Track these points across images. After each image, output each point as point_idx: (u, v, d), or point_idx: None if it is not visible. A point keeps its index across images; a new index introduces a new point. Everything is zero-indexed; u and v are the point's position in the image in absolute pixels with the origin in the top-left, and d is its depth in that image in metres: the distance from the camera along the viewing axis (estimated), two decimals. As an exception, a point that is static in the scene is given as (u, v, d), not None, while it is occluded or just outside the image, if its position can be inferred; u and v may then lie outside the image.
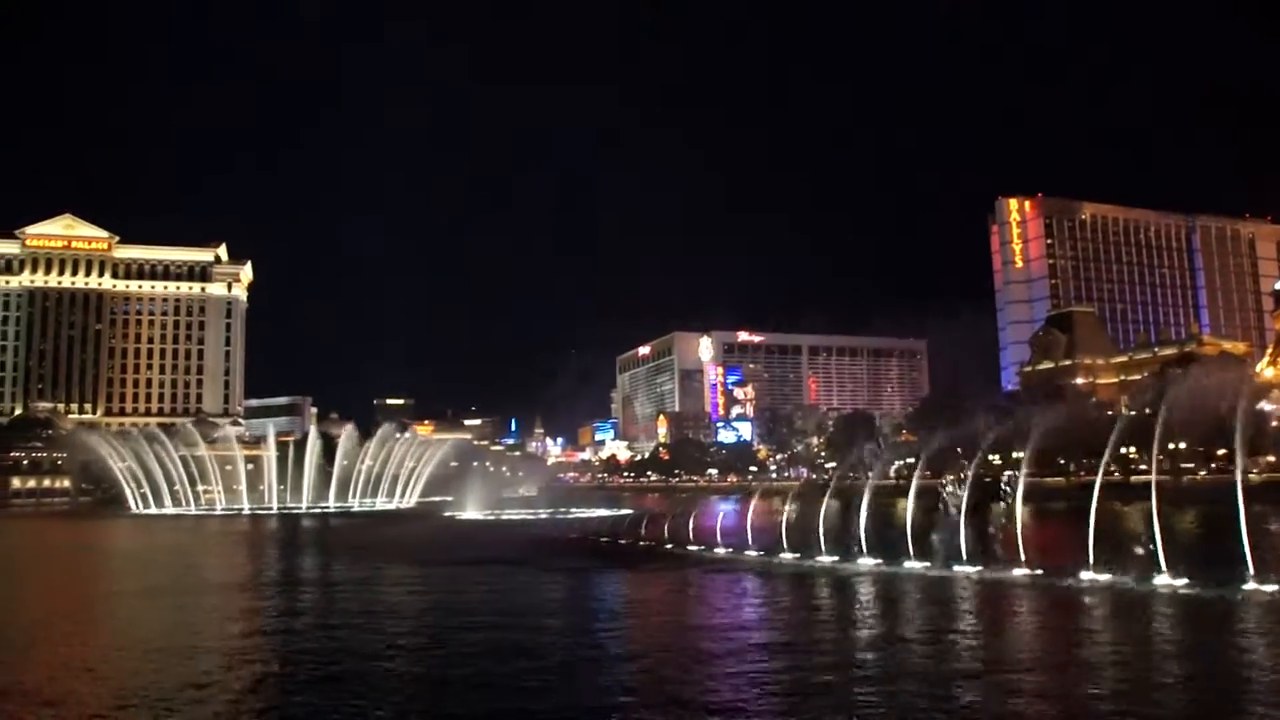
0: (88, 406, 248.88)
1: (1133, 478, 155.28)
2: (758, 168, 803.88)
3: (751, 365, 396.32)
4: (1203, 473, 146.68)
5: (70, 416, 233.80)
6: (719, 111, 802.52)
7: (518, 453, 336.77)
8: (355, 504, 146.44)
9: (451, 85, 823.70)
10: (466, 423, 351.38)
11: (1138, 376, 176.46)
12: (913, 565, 42.51)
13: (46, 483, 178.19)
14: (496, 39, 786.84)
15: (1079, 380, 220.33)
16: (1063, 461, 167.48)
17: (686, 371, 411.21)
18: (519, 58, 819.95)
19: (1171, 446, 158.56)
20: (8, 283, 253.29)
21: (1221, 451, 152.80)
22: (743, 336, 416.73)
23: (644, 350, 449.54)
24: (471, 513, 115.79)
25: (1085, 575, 36.49)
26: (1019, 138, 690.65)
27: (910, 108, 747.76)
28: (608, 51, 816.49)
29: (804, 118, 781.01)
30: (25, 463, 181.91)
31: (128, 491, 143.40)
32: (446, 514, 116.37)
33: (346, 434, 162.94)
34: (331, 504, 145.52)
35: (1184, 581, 34.14)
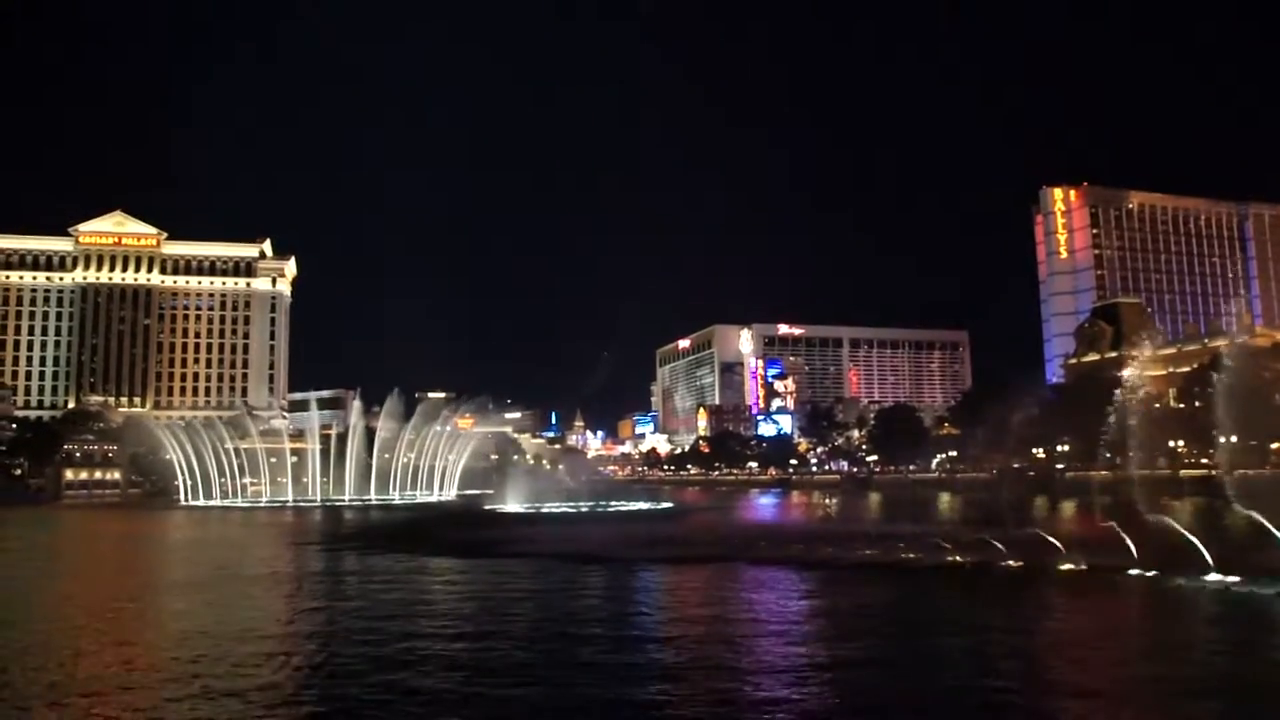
0: (137, 400, 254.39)
1: (1183, 472, 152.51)
2: (799, 160, 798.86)
3: (792, 358, 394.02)
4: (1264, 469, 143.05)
5: (120, 409, 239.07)
6: (759, 102, 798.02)
7: (558, 445, 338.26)
8: (396, 497, 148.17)
9: (491, 83, 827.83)
10: (507, 415, 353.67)
11: (1187, 369, 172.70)
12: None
13: (98, 474, 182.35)
14: (531, 34, 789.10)
15: (1126, 373, 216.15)
16: (1109, 455, 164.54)
17: (726, 364, 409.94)
18: (556, 54, 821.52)
19: (1223, 440, 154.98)
20: (61, 279, 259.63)
21: (1276, 445, 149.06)
22: (783, 329, 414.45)
23: (684, 343, 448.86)
24: (512, 506, 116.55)
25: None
26: (1064, 126, 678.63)
27: (954, 96, 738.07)
28: (639, 46, 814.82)
29: (846, 108, 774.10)
30: (78, 455, 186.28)
31: (179, 483, 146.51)
32: (487, 507, 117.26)
33: (387, 411, 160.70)
34: (373, 497, 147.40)
35: None
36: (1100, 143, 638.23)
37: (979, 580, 37.73)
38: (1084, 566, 37.68)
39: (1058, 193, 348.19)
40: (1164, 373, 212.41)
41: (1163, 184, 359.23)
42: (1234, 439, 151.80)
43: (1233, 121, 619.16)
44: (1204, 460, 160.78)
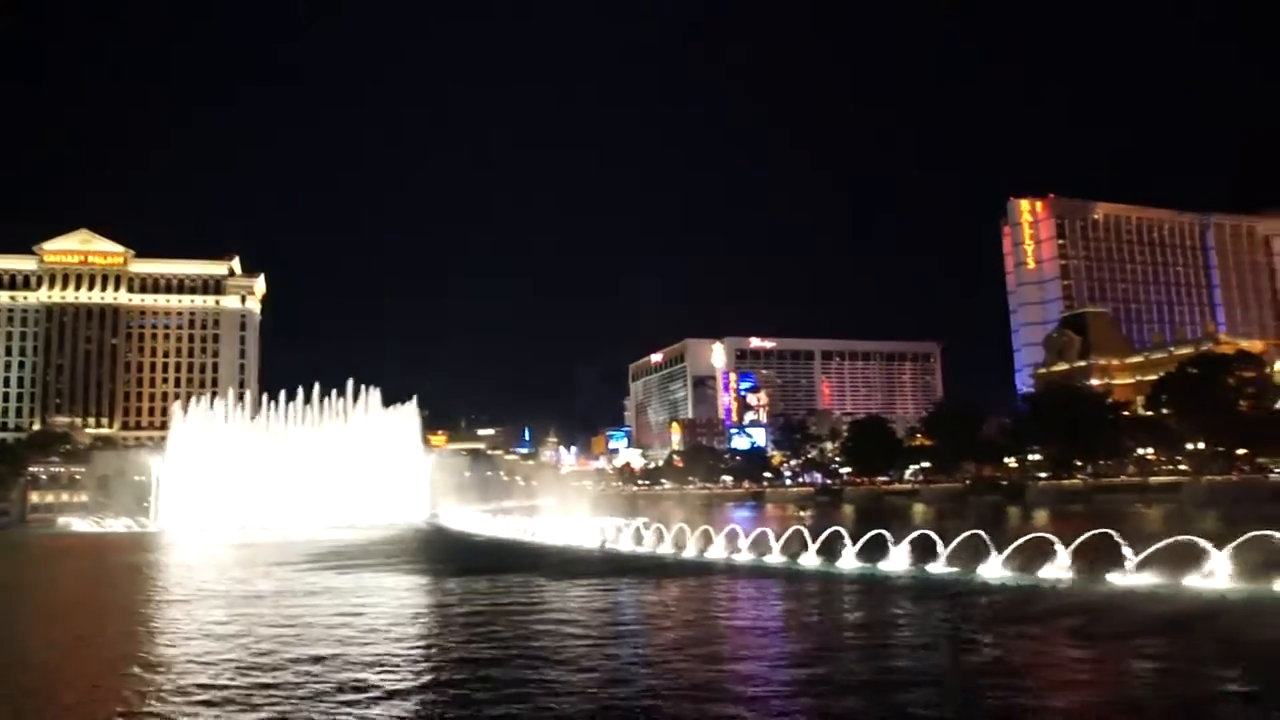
0: (104, 420, 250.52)
1: (1152, 478, 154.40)
2: (769, 171, 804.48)
3: (764, 371, 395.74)
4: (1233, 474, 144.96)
5: (87, 430, 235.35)
6: (724, 112, 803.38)
7: (531, 462, 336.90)
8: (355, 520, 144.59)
9: (458, 91, 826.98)
10: (480, 432, 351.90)
11: (1154, 377, 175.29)
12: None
13: (65, 497, 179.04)
14: (480, 35, 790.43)
15: (1094, 381, 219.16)
16: (1079, 463, 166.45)
17: (699, 378, 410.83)
18: (508, 56, 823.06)
19: (1190, 447, 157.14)
20: (25, 299, 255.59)
21: (1242, 451, 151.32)
22: (755, 342, 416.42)
23: (656, 357, 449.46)
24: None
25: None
26: (1030, 138, 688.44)
27: (924, 108, 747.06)
28: (598, 55, 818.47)
29: (815, 118, 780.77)
30: (44, 477, 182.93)
31: (147, 504, 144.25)
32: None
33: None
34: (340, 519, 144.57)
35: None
36: (1066, 155, 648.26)
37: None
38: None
39: (1024, 204, 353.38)
40: (1131, 381, 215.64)
41: (1127, 195, 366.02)
42: (1201, 445, 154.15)
43: (1195, 133, 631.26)
44: (1170, 467, 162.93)
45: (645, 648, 27.89)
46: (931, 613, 33.32)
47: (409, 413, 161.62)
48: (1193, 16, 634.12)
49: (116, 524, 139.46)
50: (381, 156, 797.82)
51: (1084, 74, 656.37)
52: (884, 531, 46.88)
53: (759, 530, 55.86)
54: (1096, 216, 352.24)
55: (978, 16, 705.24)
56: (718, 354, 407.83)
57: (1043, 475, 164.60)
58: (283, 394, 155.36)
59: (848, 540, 47.81)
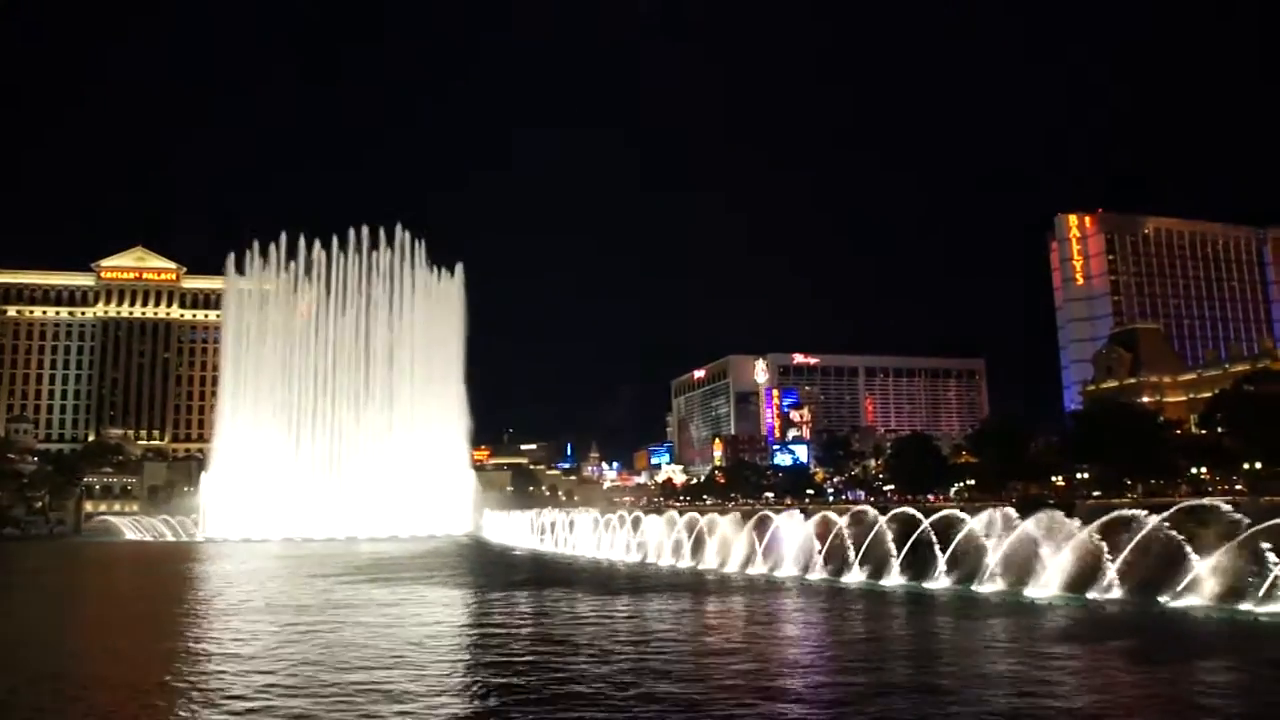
0: (156, 433, 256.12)
1: (1207, 499, 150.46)
2: (813, 188, 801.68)
3: (808, 387, 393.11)
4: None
5: (139, 442, 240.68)
6: (773, 134, 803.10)
7: (573, 477, 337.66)
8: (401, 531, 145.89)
9: (492, 101, 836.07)
10: (523, 447, 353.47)
11: (1208, 394, 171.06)
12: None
13: (117, 507, 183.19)
14: (501, 66, 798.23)
15: (1145, 399, 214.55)
16: (1129, 481, 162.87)
17: (742, 394, 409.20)
18: (545, 91, 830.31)
19: (1247, 467, 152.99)
20: (83, 314, 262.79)
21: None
22: (798, 359, 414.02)
23: (699, 374, 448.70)
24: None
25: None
26: (1078, 152, 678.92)
27: (967, 123, 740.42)
28: (639, 72, 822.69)
29: (858, 135, 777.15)
30: (97, 488, 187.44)
31: (196, 517, 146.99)
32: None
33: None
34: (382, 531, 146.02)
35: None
36: (1115, 169, 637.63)
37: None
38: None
39: (1073, 219, 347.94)
40: (1184, 399, 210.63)
41: (1178, 209, 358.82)
42: (1258, 465, 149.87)
43: (1249, 147, 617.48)
44: (1225, 487, 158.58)
45: (693, 680, 27.50)
46: (981, 629, 32.51)
47: (456, 428, 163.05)
48: (1234, 30, 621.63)
49: (165, 533, 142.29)
50: (424, 169, 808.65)
51: (1131, 84, 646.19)
52: (931, 547, 46.12)
53: (802, 546, 55.25)
54: (1147, 231, 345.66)
55: (1019, 32, 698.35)
56: (760, 370, 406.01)
57: (1093, 494, 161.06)
58: (330, 404, 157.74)
59: (893, 556, 47.21)
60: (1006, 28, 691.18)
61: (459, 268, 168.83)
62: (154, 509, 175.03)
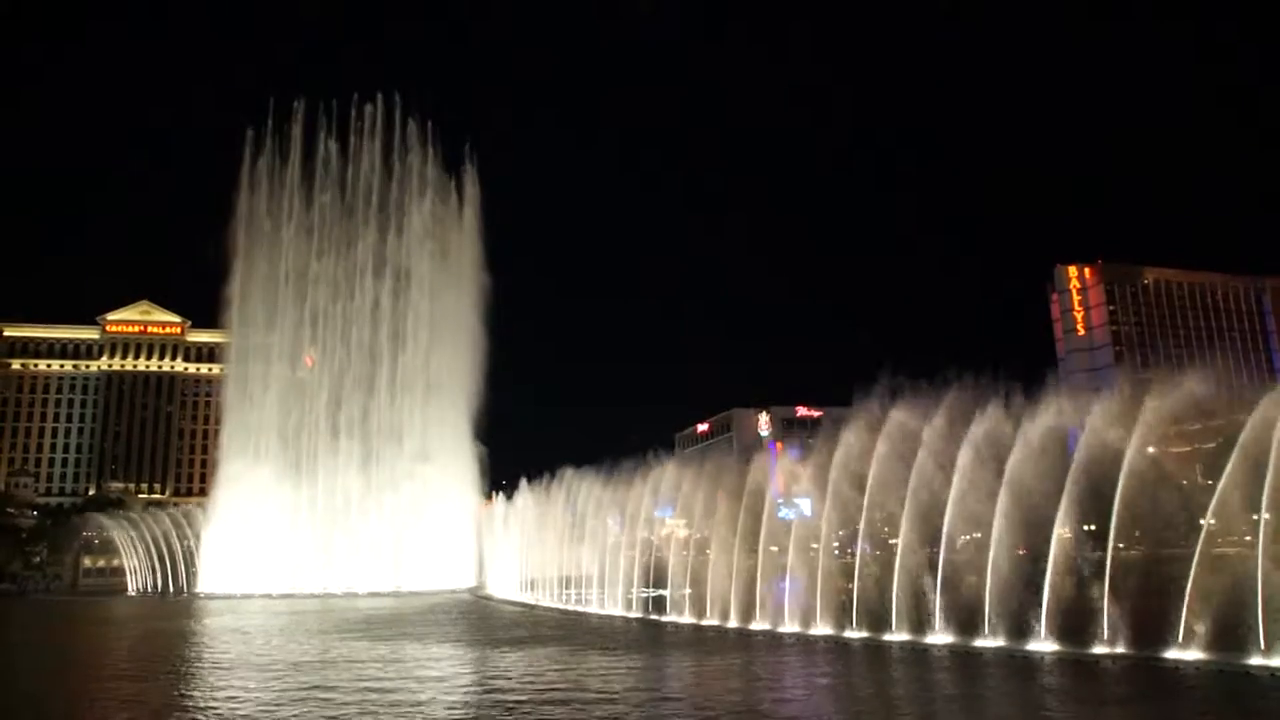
0: (157, 487, 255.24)
1: (1215, 550, 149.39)
2: (810, 243, 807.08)
3: (811, 440, 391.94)
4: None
5: (140, 496, 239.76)
6: (768, 186, 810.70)
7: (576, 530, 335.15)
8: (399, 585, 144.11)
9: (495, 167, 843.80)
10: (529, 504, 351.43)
11: (1212, 445, 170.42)
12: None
13: (116, 562, 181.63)
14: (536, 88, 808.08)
15: (1150, 449, 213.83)
16: (1137, 534, 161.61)
17: (745, 448, 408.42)
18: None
19: (1255, 517, 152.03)
20: (87, 367, 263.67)
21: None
22: (801, 411, 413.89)
23: (702, 427, 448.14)
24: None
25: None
26: (1076, 204, 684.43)
27: (969, 177, 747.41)
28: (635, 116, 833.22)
29: (854, 190, 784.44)
30: (96, 542, 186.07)
31: (191, 570, 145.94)
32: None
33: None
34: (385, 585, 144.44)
35: None
36: (1112, 220, 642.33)
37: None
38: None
39: (1073, 270, 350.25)
40: (1189, 449, 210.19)
41: (1176, 260, 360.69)
42: (1266, 516, 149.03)
43: (1244, 197, 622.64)
44: (1234, 538, 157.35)
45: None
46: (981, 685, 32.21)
47: (464, 482, 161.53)
48: (1219, 80, 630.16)
49: (160, 588, 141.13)
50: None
51: (1125, 138, 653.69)
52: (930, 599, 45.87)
53: (804, 601, 54.91)
54: (1146, 281, 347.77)
55: (1015, 85, 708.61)
56: (764, 424, 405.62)
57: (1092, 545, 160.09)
58: (333, 459, 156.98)
59: (893, 611, 46.91)
60: (990, 83, 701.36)
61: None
62: (150, 564, 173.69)
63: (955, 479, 45.82)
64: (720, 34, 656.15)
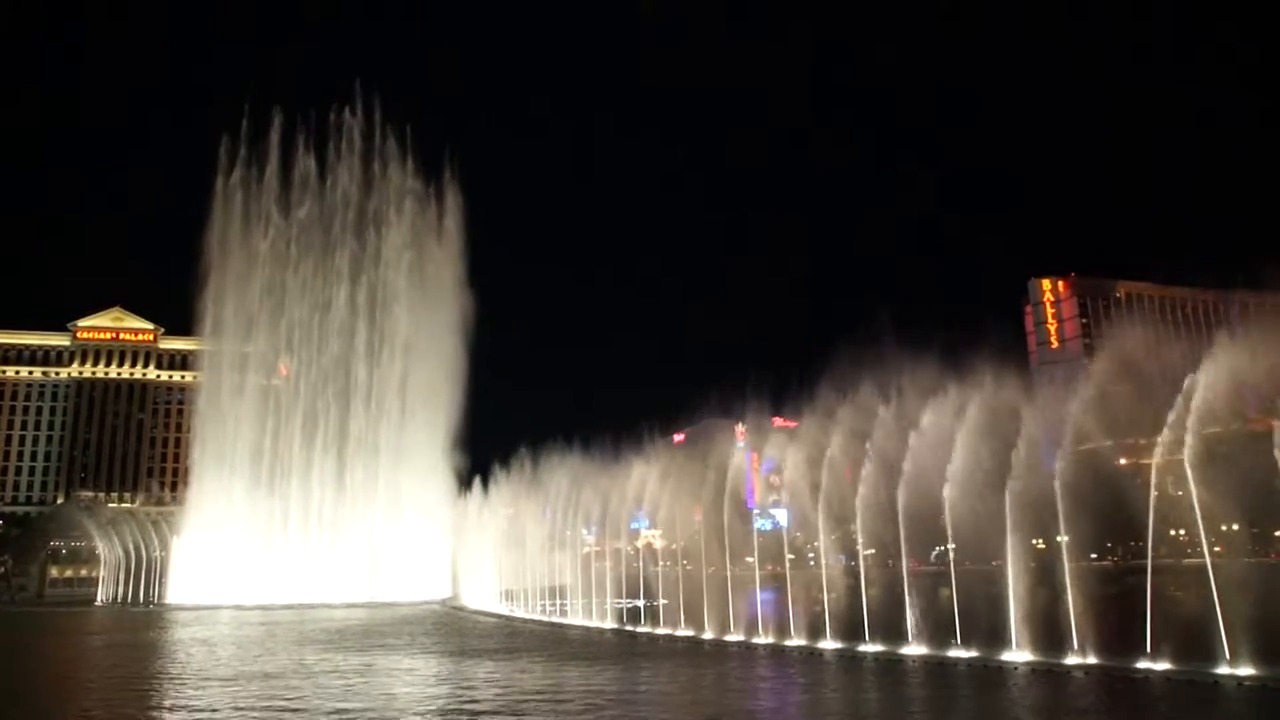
0: (128, 495, 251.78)
1: (1185, 560, 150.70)
2: (787, 251, 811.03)
3: (786, 452, 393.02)
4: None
5: (110, 504, 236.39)
6: (741, 192, 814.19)
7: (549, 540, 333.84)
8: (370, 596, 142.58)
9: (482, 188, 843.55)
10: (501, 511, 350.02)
11: (1182, 456, 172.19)
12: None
13: (84, 572, 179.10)
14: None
15: (1122, 461, 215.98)
16: (1109, 545, 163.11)
17: (721, 459, 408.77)
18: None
19: (1224, 528, 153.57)
20: (57, 374, 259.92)
21: (1279, 533, 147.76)
22: (778, 422, 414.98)
23: (678, 438, 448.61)
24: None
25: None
26: (1050, 217, 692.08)
27: (941, 191, 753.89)
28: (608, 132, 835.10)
29: (830, 197, 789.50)
30: (64, 552, 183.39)
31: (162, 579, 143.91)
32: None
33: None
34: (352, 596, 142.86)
35: None
36: (1085, 234, 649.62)
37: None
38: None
39: (1046, 283, 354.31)
40: (1161, 460, 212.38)
41: (1148, 272, 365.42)
42: (1235, 527, 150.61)
43: (1213, 211, 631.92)
44: (1204, 549, 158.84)
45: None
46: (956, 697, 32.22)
47: (439, 492, 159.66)
48: (1190, 100, 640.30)
49: (128, 598, 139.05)
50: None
51: (1099, 152, 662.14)
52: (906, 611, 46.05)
53: (777, 612, 54.98)
54: (1119, 294, 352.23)
55: (995, 95, 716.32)
56: (739, 435, 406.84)
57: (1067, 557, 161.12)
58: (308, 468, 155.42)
59: (865, 622, 47.12)
60: (967, 99, 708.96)
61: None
62: (120, 573, 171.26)
63: (946, 488, 46.03)
64: (714, 34, 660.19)
